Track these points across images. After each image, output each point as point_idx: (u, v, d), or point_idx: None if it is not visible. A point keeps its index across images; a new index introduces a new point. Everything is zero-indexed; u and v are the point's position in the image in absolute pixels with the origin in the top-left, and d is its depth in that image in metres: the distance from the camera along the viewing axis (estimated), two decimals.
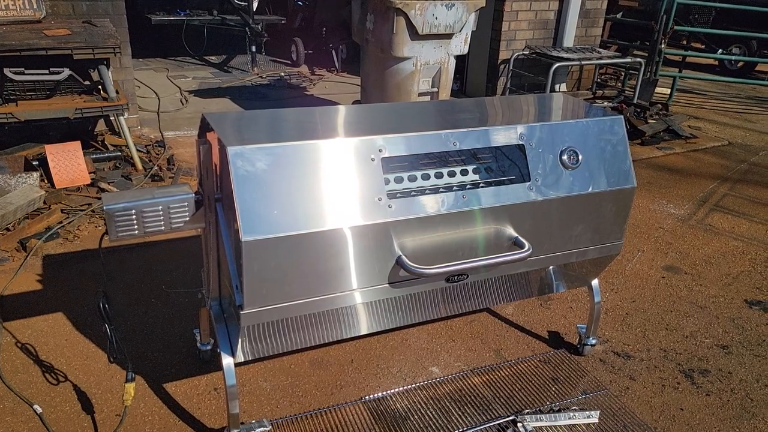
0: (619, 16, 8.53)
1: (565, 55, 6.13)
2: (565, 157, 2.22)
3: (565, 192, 2.21)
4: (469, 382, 2.52)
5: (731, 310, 3.15)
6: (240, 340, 1.93)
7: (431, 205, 2.00)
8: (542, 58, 6.19)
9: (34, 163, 3.93)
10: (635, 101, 6.49)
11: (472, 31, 6.71)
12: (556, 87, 6.84)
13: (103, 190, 3.89)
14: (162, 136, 4.98)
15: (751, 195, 4.72)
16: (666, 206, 4.42)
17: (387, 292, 2.05)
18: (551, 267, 2.43)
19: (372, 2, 4.69)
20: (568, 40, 6.66)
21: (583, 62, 6.14)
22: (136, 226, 1.81)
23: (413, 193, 2.04)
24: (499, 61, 6.47)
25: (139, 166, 4.26)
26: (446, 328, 2.88)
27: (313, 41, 8.28)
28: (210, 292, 2.10)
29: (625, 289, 3.31)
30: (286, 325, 1.97)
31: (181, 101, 6.04)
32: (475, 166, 2.21)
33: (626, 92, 6.96)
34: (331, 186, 1.84)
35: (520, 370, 2.61)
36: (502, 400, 2.42)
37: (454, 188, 2.08)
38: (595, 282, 2.67)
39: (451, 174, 2.14)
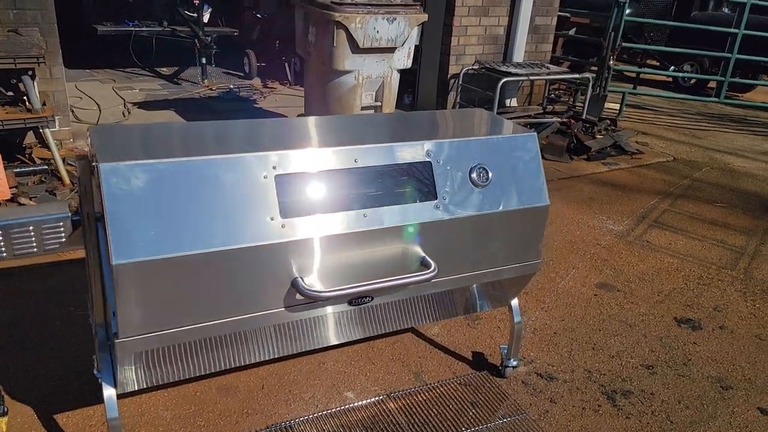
0: (572, 32, 8.63)
1: (514, 71, 6.14)
2: (474, 175, 2.16)
3: (474, 210, 2.15)
4: (384, 407, 2.43)
5: (660, 329, 3.13)
6: (120, 369, 1.81)
7: (330, 224, 1.92)
8: (491, 73, 6.19)
9: None
10: (584, 116, 6.53)
11: (421, 45, 6.71)
12: (507, 101, 6.86)
13: (22, 206, 3.72)
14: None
15: (691, 211, 4.75)
16: (605, 222, 4.41)
17: (284, 316, 1.96)
18: (474, 286, 2.36)
19: (313, 15, 4.62)
20: (518, 56, 6.69)
21: (531, 77, 6.16)
22: (3, 248, 1.69)
23: (310, 212, 1.95)
24: (449, 76, 6.46)
25: (67, 180, 4.10)
26: (367, 349, 2.78)
27: (268, 53, 8.18)
28: (96, 317, 1.97)
29: (556, 308, 3.26)
30: (172, 353, 1.86)
31: (123, 113, 5.88)
32: (378, 184, 2.13)
33: (576, 108, 7.00)
34: (218, 205, 1.75)
35: (439, 394, 2.53)
36: (416, 426, 2.33)
37: (355, 207, 2.00)
38: (514, 302, 2.61)
39: (352, 192, 2.06)
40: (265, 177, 1.84)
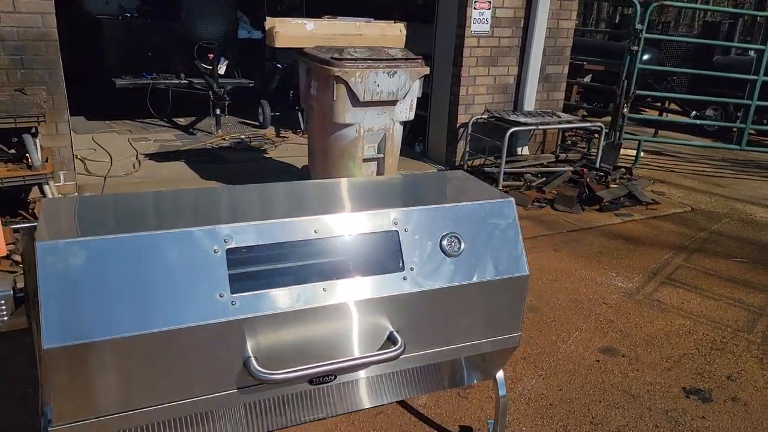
0: (586, 79, 8.55)
1: (523, 120, 6.06)
2: (445, 244, 2.06)
3: (445, 282, 2.03)
4: None
5: (666, 401, 2.92)
6: None
7: (285, 300, 1.82)
8: (500, 123, 6.12)
9: None
10: (598, 165, 6.39)
11: (431, 94, 6.70)
12: (518, 150, 6.76)
13: (18, 263, 3.72)
14: None
15: (707, 267, 4.53)
16: (614, 279, 4.23)
17: (237, 398, 1.85)
18: (461, 357, 2.23)
19: (314, 70, 4.64)
20: (529, 104, 6.62)
21: (540, 126, 6.07)
22: None
23: (264, 287, 1.86)
24: (458, 125, 6.41)
25: None
26: (347, 422, 2.64)
27: (284, 103, 8.27)
28: (42, 396, 1.89)
29: (554, 375, 3.08)
30: None
31: (133, 165, 5.94)
32: (339, 256, 2.03)
33: (591, 156, 6.86)
34: (163, 283, 1.67)
35: None
36: None
37: (313, 280, 1.90)
38: (499, 374, 2.46)
39: (311, 264, 1.96)
40: (215, 251, 1.76)
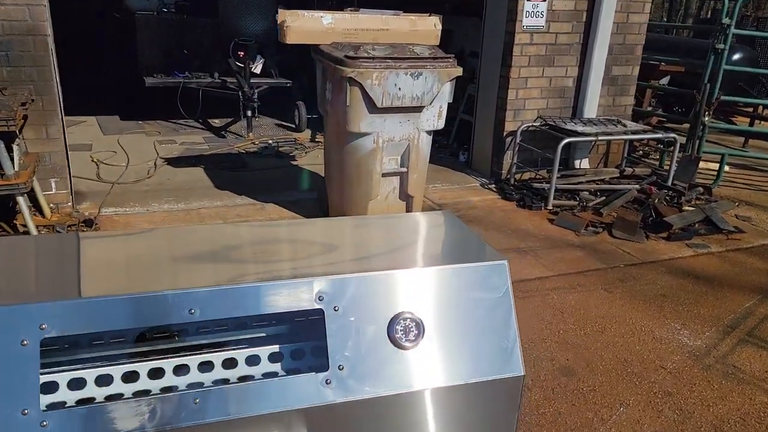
0: (663, 82, 7.54)
1: (581, 129, 5.24)
2: (397, 329, 1.40)
3: (392, 388, 1.38)
4: None
5: None
6: None
7: (127, 419, 1.22)
8: (552, 132, 5.32)
9: None
10: (670, 183, 5.47)
11: (477, 97, 5.98)
12: (576, 162, 5.93)
13: None
14: (97, 213, 4.44)
15: None
16: (678, 333, 3.40)
17: None
18: None
19: (329, 70, 4.04)
20: (590, 110, 5.77)
21: (600, 137, 5.22)
22: None
23: (100, 399, 1.26)
24: (505, 133, 5.65)
25: None
26: None
27: None
28: None
29: None
30: None
31: (148, 171, 5.54)
32: (226, 348, 1.40)
33: (663, 171, 5.94)
34: None
35: None
36: None
37: (182, 388, 1.29)
38: None
39: (180, 363, 1.35)
40: (24, 344, 1.18)
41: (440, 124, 4.23)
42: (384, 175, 4.23)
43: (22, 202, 3.65)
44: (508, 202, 5.31)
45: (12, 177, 3.57)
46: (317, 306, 1.36)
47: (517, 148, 5.59)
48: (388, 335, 1.39)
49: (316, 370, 1.34)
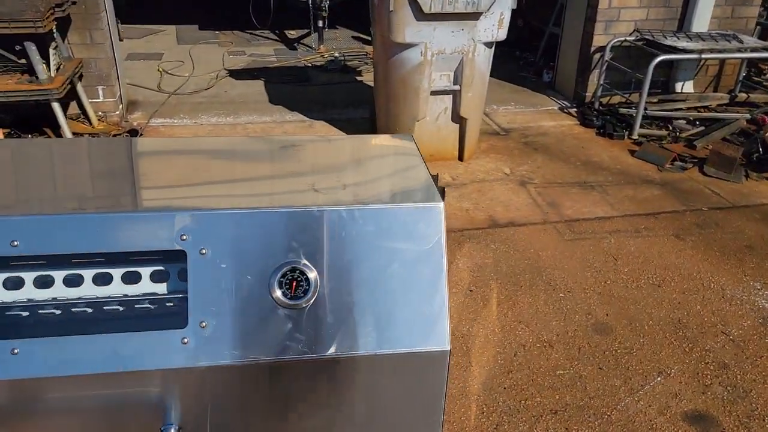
0: None
1: (683, 44, 4.45)
2: (283, 282, 1.11)
3: (265, 354, 1.11)
4: None
5: None
6: None
7: None
8: (647, 48, 4.57)
9: None
10: None
11: (564, 5, 5.24)
12: (678, 86, 5.12)
13: None
14: (146, 123, 4.39)
15: None
16: (757, 293, 2.83)
17: None
18: None
19: None
20: (700, 23, 4.89)
21: (705, 55, 4.41)
22: None
23: None
24: (593, 49, 4.94)
25: None
26: None
27: None
28: None
29: None
30: None
31: (209, 82, 5.42)
32: (64, 295, 1.16)
33: None
34: None
35: None
36: None
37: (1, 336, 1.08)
38: None
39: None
40: None
41: (501, 35, 3.69)
42: (433, 93, 3.80)
43: (57, 108, 3.62)
44: (587, 129, 4.70)
45: (45, 82, 3.52)
46: (178, 247, 1.08)
47: (605, 67, 4.88)
48: (270, 289, 1.10)
49: (172, 327, 1.09)
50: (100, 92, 4.22)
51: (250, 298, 1.10)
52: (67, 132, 3.71)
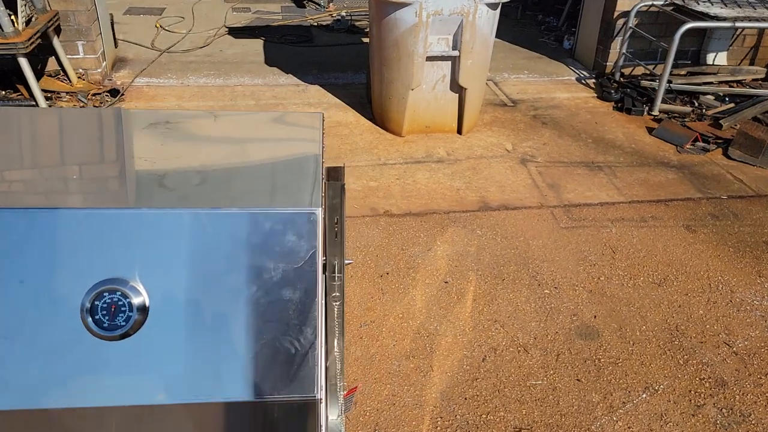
0: None
1: (716, 11, 4.01)
2: (100, 307, 0.87)
3: (77, 400, 0.87)
4: None
5: None
6: None
7: None
8: (675, 14, 4.13)
9: None
10: None
11: None
12: (709, 58, 4.67)
13: None
14: (129, 83, 4.15)
15: None
16: None
17: None
18: None
19: None
20: None
21: (738, 23, 3.97)
22: None
23: None
24: (616, 14, 4.51)
25: None
26: None
27: None
28: None
29: None
30: None
31: (206, 40, 5.15)
32: None
33: None
34: None
35: None
36: None
37: None
38: None
39: None
40: None
41: None
42: (430, 59, 3.47)
43: (25, 64, 3.39)
44: (604, 103, 4.31)
45: (11, 35, 3.29)
46: None
47: (628, 35, 4.45)
48: (83, 316, 0.85)
49: None
50: (80, 48, 3.99)
51: (53, 327, 0.86)
52: (36, 90, 3.49)
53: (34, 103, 3.58)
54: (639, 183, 3.32)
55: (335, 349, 1.23)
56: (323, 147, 1.09)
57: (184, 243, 0.87)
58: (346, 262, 1.19)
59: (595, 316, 2.37)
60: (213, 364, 0.88)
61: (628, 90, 4.36)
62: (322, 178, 1.00)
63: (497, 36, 3.68)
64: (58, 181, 0.97)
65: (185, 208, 0.88)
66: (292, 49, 5.08)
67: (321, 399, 0.89)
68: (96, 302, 0.86)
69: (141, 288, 0.86)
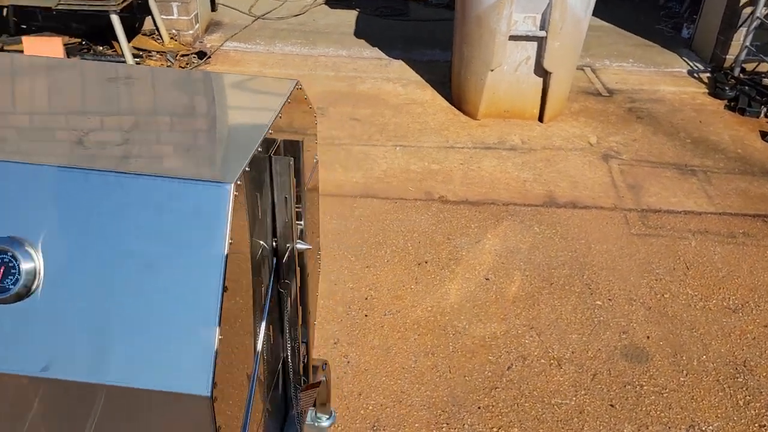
0: None
1: None
2: None
3: None
4: None
5: None
6: None
7: None
8: None
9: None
10: None
11: None
12: None
13: None
14: (219, 47, 4.23)
15: None
16: None
17: None
18: None
19: None
20: None
21: None
22: None
23: None
24: (742, 1, 4.00)
25: None
26: None
27: None
28: None
29: None
30: None
31: (304, 7, 5.15)
32: None
33: None
34: None
35: None
36: None
37: None
38: None
39: None
40: None
41: None
42: (513, 38, 3.23)
43: (116, 21, 3.53)
44: (715, 100, 3.86)
45: None
46: None
47: (754, 25, 3.93)
48: None
49: None
50: (174, 9, 4.11)
51: None
52: (124, 48, 3.63)
53: (123, 60, 3.73)
54: (737, 193, 2.93)
55: (288, 341, 1.14)
56: (279, 117, 0.98)
57: (82, 204, 0.81)
58: (302, 246, 1.08)
59: (648, 337, 2.11)
60: (96, 342, 0.81)
61: (746, 88, 3.86)
62: (258, 150, 0.89)
63: (605, 19, 3.37)
64: None
65: (86, 168, 0.81)
66: (385, 22, 4.97)
67: (211, 396, 0.80)
68: None
69: (32, 251, 0.80)
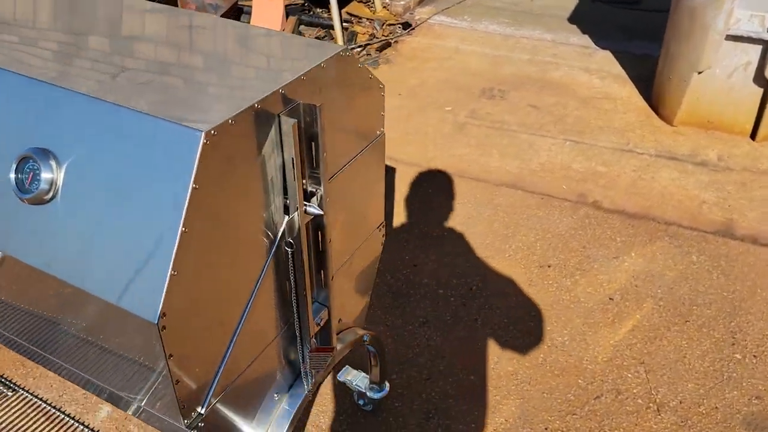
0: None
1: None
2: (24, 170, 1.01)
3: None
4: None
5: None
6: None
7: None
8: None
9: (244, 10, 4.07)
10: None
11: None
12: None
13: None
14: (425, 19, 4.32)
15: None
16: None
17: None
18: None
19: None
20: None
21: None
22: None
23: None
24: None
25: (339, 42, 3.88)
26: None
27: None
28: None
29: None
30: None
31: None
32: None
33: None
34: None
35: None
36: None
37: None
38: None
39: None
40: None
41: None
42: (732, 38, 2.77)
43: None
44: None
45: None
46: None
47: None
48: (15, 177, 0.99)
49: None
50: None
51: None
52: (334, 12, 3.88)
53: (330, 24, 4.01)
54: None
55: (294, 299, 1.16)
56: (302, 78, 1.00)
57: (92, 131, 0.93)
58: (313, 210, 1.09)
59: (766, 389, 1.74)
60: (81, 248, 0.93)
61: None
62: (257, 107, 0.92)
63: None
64: (26, 52, 1.11)
65: (101, 99, 0.92)
66: (609, 9, 4.59)
67: (158, 324, 0.87)
68: (23, 165, 0.98)
69: (55, 165, 0.95)
